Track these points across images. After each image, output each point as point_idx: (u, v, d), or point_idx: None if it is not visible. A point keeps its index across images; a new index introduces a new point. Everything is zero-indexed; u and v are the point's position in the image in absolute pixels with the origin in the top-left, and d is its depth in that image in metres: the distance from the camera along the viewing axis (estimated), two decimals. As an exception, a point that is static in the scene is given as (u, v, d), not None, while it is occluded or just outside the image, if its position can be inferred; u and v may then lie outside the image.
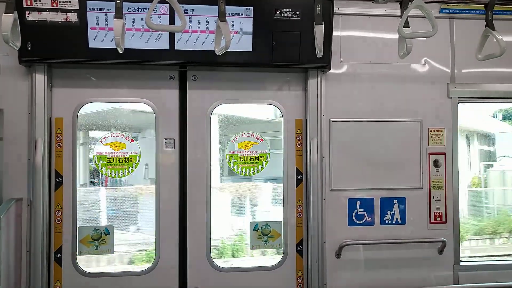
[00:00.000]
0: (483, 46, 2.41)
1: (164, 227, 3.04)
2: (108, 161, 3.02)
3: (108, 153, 3.02)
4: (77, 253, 2.98)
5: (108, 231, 3.03)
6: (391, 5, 2.61)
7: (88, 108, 3.06)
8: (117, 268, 3.28)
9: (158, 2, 2.18)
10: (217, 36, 2.27)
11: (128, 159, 3.04)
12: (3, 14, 2.05)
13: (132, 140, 3.07)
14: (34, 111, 2.85)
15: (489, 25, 2.36)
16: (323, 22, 2.24)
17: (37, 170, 2.77)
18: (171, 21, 2.84)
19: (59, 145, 2.97)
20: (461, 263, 3.28)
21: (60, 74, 2.97)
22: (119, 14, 2.08)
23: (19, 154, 2.87)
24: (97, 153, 3.01)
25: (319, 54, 2.27)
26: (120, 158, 3.03)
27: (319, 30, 2.23)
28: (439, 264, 3.25)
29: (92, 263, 3.22)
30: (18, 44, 2.19)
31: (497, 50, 2.30)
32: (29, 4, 2.68)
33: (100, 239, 3.01)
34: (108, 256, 3.26)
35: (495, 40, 2.46)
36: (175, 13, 2.24)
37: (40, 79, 2.86)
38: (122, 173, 3.05)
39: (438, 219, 3.26)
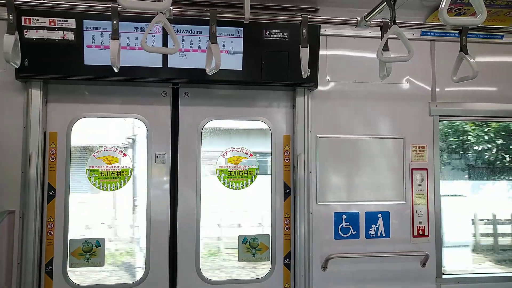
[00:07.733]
0: (458, 69, 2.54)
1: (154, 239, 3.10)
2: (100, 174, 3.09)
3: (101, 166, 3.10)
4: (68, 265, 3.02)
5: (99, 244, 3.08)
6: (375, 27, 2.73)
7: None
8: (107, 280, 3.32)
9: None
10: (208, 57, 2.37)
11: (120, 172, 3.11)
12: (5, 34, 2.11)
13: (124, 154, 3.15)
14: (29, 125, 2.92)
15: (463, 49, 2.48)
16: (308, 45, 2.35)
17: (31, 183, 2.83)
18: (165, 40, 2.95)
19: (52, 158, 3.03)
20: (443, 276, 3.38)
21: (55, 89, 3.05)
22: (115, 35, 2.18)
23: (14, 167, 2.93)
24: (90, 166, 3.09)
25: (304, 75, 2.38)
26: (112, 172, 3.11)
27: (304, 53, 2.34)
28: (422, 277, 3.34)
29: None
30: (18, 62, 2.26)
31: (470, 73, 2.42)
32: (27, 23, 2.78)
33: (91, 252, 3.06)
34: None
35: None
36: (169, 35, 2.35)
37: (36, 94, 2.94)
38: (114, 187, 3.12)
39: (421, 232, 3.37)
